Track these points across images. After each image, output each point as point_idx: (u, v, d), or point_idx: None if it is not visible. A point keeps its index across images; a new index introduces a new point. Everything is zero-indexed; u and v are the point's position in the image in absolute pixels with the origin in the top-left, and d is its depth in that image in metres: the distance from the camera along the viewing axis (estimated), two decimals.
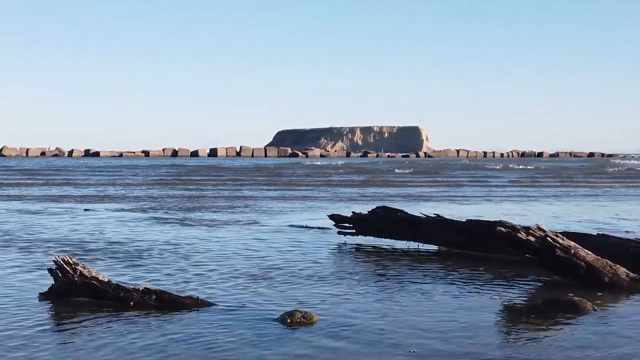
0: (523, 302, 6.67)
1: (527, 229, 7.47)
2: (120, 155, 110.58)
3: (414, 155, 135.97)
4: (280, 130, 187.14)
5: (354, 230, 10.82)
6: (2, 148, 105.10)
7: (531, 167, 55.29)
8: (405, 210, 10.48)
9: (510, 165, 59.10)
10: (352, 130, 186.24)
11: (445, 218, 10.02)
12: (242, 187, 26.44)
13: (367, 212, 10.72)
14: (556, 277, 7.54)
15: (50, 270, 6.60)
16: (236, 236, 11.36)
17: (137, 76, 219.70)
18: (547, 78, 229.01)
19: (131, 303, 6.20)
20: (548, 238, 7.36)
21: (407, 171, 46.22)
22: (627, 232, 11.70)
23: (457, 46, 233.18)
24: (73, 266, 6.49)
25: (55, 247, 9.89)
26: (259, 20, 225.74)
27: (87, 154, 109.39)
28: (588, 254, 7.39)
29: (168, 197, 21.05)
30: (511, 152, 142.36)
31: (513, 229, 7.49)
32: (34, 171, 43.80)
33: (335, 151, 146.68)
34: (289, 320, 5.67)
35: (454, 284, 7.49)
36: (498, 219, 8.40)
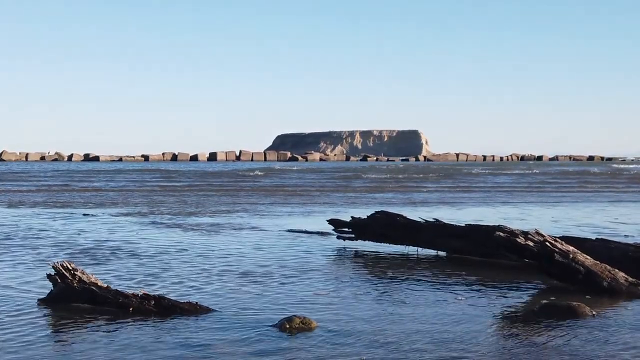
0: (521, 307, 6.66)
1: (525, 234, 7.47)
2: (120, 159, 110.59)
3: (414, 159, 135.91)
4: (280, 134, 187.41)
5: (353, 235, 10.82)
6: (2, 152, 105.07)
7: (533, 171, 55.32)
8: (404, 215, 10.48)
9: (518, 171, 59.14)
10: (351, 134, 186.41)
11: (444, 222, 10.02)
12: (240, 193, 26.43)
13: (366, 217, 10.72)
14: (555, 281, 7.54)
15: (49, 275, 6.60)
16: (235, 241, 11.36)
17: (137, 80, 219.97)
18: (546, 82, 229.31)
19: (130, 309, 6.20)
20: (547, 243, 7.36)
21: (401, 175, 46.21)
22: (626, 236, 11.70)
23: (457, 50, 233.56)
24: (72, 272, 6.49)
25: (54, 252, 9.88)
26: (259, 25, 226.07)
27: (87, 158, 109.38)
28: (587, 258, 7.39)
29: (166, 202, 21.04)
30: (510, 155, 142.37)
31: (512, 233, 7.49)
32: (32, 175, 43.77)
33: (335, 155, 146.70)
34: (287, 326, 5.66)
35: (452, 289, 7.48)
36: (497, 224, 8.41)
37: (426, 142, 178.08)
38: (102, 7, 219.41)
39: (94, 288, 6.41)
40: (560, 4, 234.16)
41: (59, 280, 6.49)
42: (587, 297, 6.92)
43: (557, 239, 7.57)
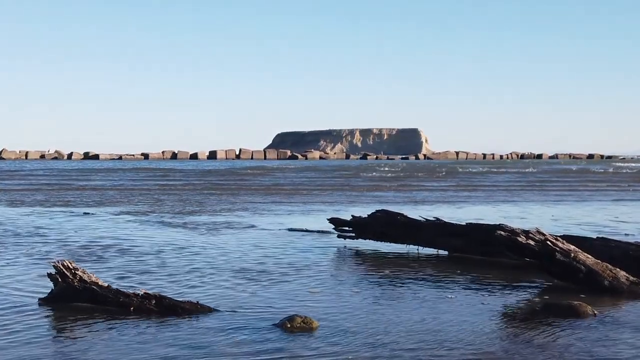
0: (522, 306, 6.66)
1: (526, 233, 7.46)
2: (120, 157, 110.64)
3: (414, 157, 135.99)
4: (280, 132, 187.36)
5: (353, 234, 10.81)
6: (2, 151, 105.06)
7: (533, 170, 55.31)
8: (404, 214, 10.47)
9: (518, 170, 59.12)
10: (351, 132, 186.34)
11: (444, 221, 10.01)
12: (240, 192, 26.43)
13: (366, 216, 10.71)
14: (556, 281, 7.54)
15: (49, 275, 6.59)
16: (235, 240, 11.35)
17: (137, 80, 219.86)
18: (546, 82, 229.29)
19: (131, 308, 6.19)
20: (548, 242, 7.35)
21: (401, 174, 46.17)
22: (626, 234, 11.69)
23: (457, 50, 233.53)
24: (73, 271, 6.48)
25: (54, 252, 9.87)
26: (259, 25, 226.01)
27: (87, 156, 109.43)
28: (588, 257, 7.39)
29: (167, 201, 21.04)
30: (510, 154, 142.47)
31: (513, 232, 7.48)
32: (31, 174, 43.76)
33: (335, 153, 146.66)
34: (288, 325, 5.66)
35: (453, 288, 7.48)
36: (498, 222, 8.41)
37: (426, 141, 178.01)
38: (102, 7, 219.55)
39: (94, 287, 6.40)
40: (560, 4, 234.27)
41: (60, 280, 6.48)
42: (582, 295, 6.91)
43: (558, 238, 7.56)
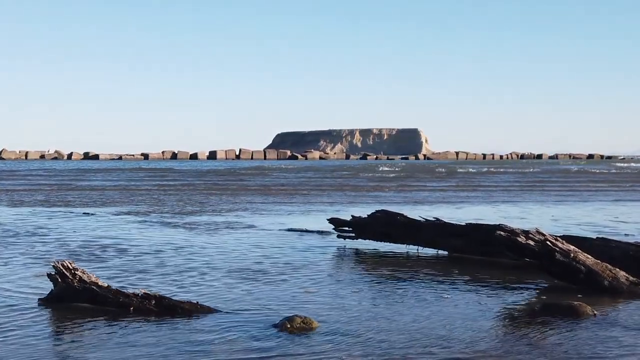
0: (522, 307, 6.66)
1: (526, 233, 7.46)
2: (120, 157, 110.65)
3: (414, 157, 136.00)
4: (280, 132, 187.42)
5: (353, 234, 10.81)
6: (2, 151, 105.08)
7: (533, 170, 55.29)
8: (404, 214, 10.47)
9: (518, 170, 59.11)
10: (351, 132, 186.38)
11: (444, 222, 10.00)
12: (240, 192, 26.43)
13: (366, 216, 10.71)
14: (556, 281, 7.53)
15: (49, 275, 6.59)
16: (235, 240, 11.34)
17: (137, 80, 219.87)
18: (546, 82, 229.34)
19: (131, 308, 6.19)
20: (547, 242, 7.35)
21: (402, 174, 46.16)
22: (626, 235, 11.69)
23: (457, 50, 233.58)
24: (72, 271, 6.48)
25: (54, 251, 9.87)
26: (259, 25, 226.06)
27: (87, 156, 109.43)
28: (588, 257, 7.39)
29: (167, 201, 21.03)
30: (510, 154, 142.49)
31: (513, 232, 7.48)
32: (31, 174, 43.75)
33: (335, 153, 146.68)
34: (288, 326, 5.65)
35: (453, 288, 7.48)
36: (497, 223, 8.40)
37: (426, 141, 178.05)
38: (102, 7, 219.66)
39: (94, 287, 6.40)
40: (560, 4, 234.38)
41: (60, 280, 6.48)
42: (579, 295, 6.90)
43: (557, 238, 7.56)
